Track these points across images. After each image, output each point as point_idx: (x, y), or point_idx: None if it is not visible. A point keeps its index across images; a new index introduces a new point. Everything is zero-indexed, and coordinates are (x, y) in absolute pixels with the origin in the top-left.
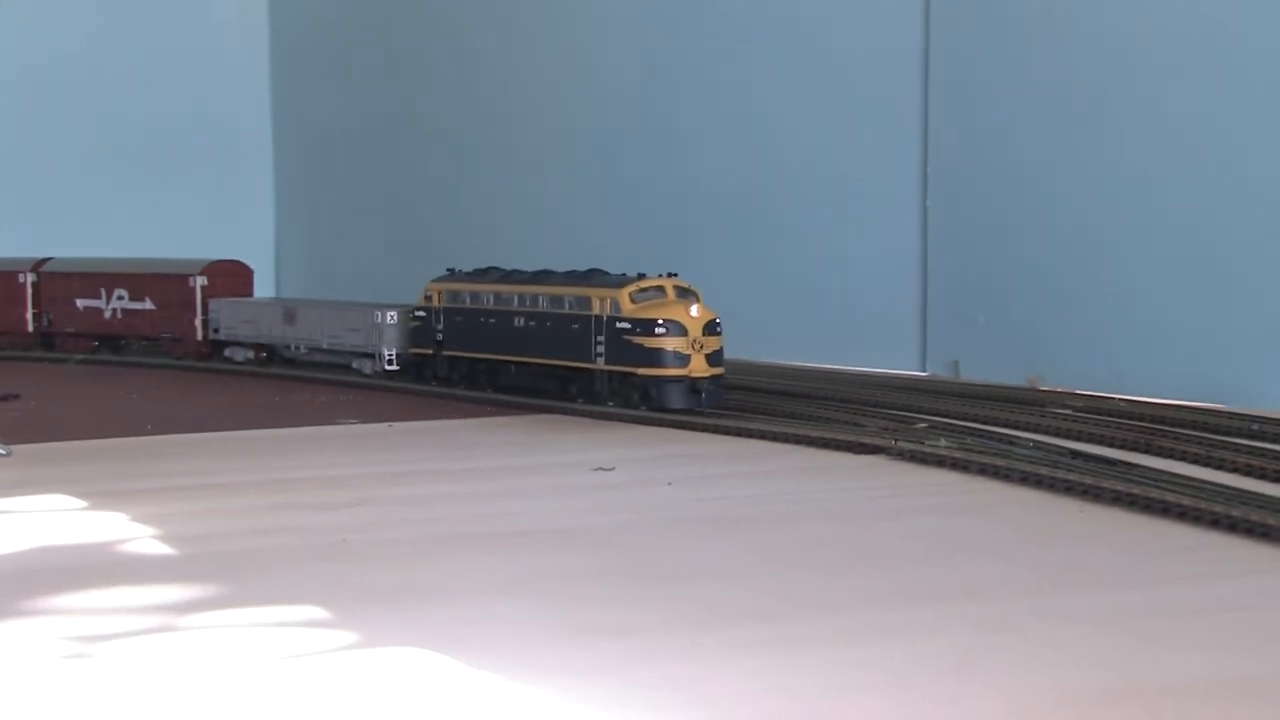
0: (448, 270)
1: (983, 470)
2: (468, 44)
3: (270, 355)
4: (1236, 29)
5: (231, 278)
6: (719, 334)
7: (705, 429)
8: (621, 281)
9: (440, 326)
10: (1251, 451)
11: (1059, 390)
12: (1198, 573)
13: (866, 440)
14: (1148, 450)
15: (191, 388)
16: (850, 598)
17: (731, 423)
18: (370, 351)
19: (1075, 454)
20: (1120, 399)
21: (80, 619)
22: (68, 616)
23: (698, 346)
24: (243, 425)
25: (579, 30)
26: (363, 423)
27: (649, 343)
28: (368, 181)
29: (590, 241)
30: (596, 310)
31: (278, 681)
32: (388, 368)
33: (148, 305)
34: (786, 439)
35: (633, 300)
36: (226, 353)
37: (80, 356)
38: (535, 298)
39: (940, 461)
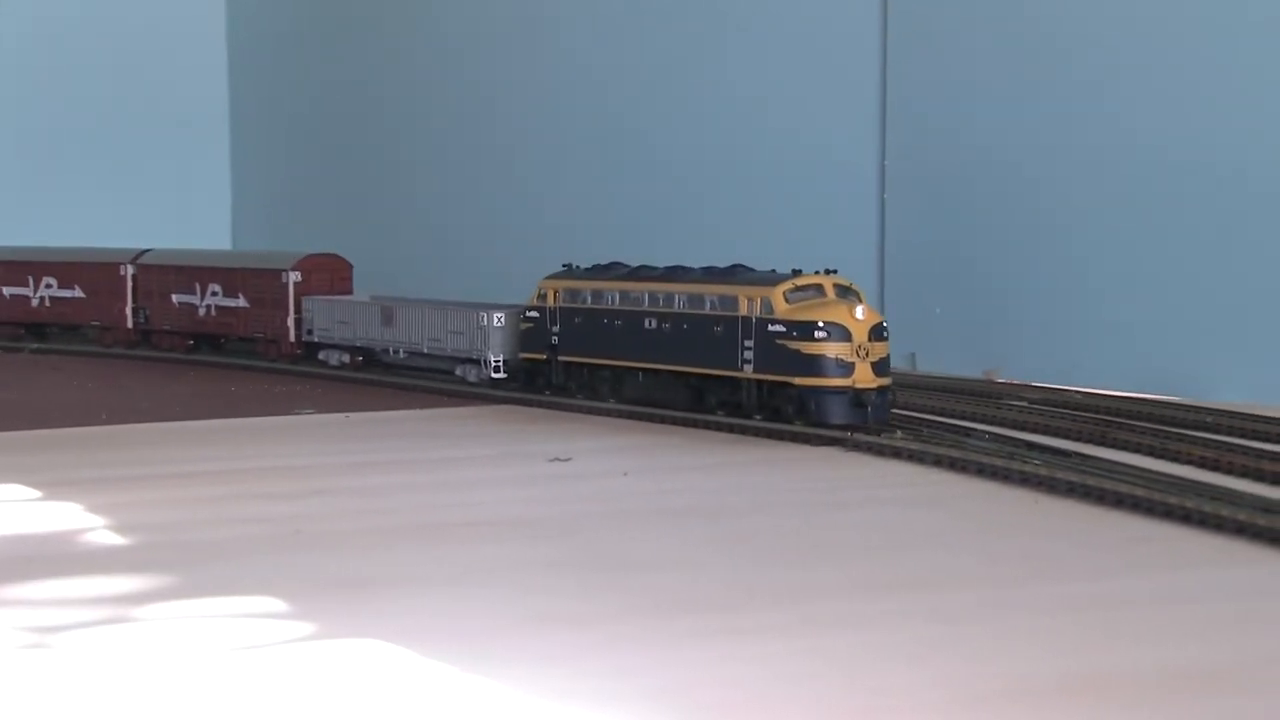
0: (564, 266)
1: (938, 462)
2: (427, 23)
3: (367, 359)
4: (1195, 16)
5: (328, 273)
6: (886, 339)
7: (659, 420)
8: (774, 278)
9: (556, 329)
10: (1205, 444)
11: (1015, 383)
12: (1151, 564)
13: (822, 432)
14: (1102, 442)
15: (149, 378)
16: (804, 588)
17: (692, 415)
18: (475, 357)
19: (1031, 446)
20: (1075, 391)
21: (35, 610)
22: (22, 607)
23: (863, 353)
24: (198, 415)
25: (543, 10)
26: (321, 413)
27: (807, 348)
28: (327, 163)
29: (554, 221)
30: (744, 311)
31: (232, 673)
32: (494, 375)
33: (241, 302)
34: (743, 430)
35: (787, 299)
36: (321, 356)
37: (35, 346)
38: (670, 296)
39: (896, 453)
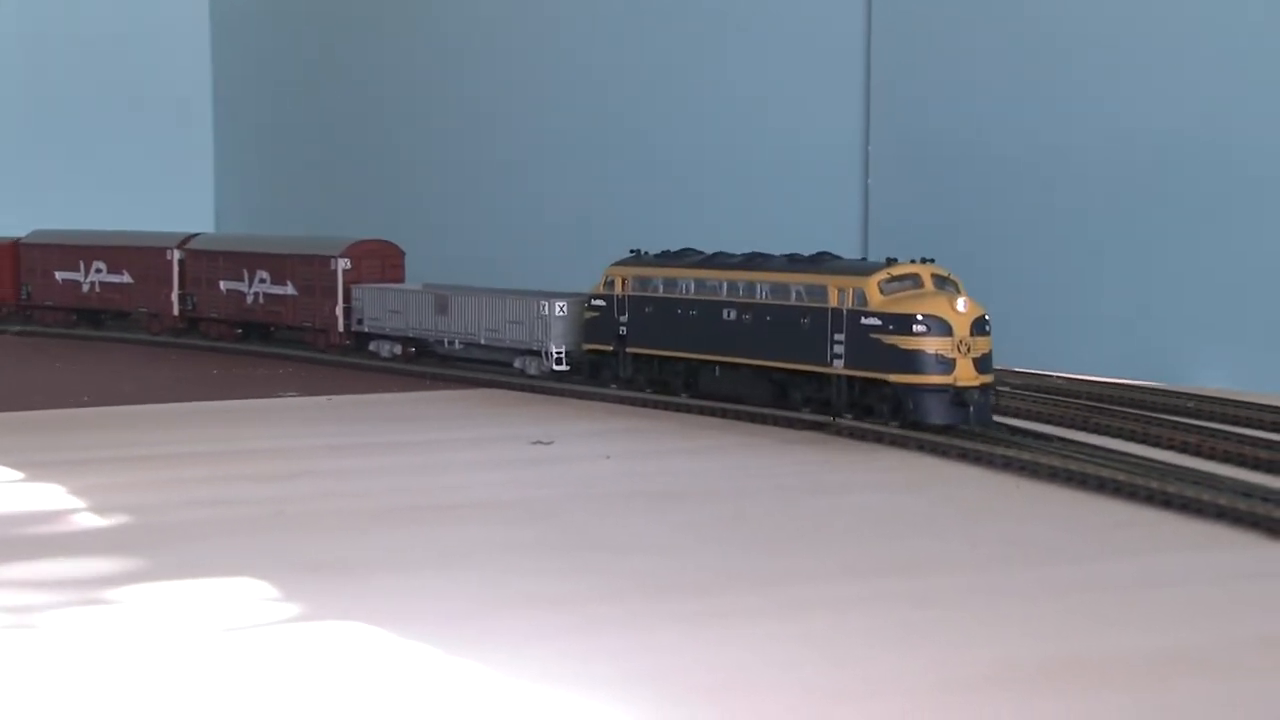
0: (631, 251)
1: (921, 447)
2: (419, 9)
3: (420, 351)
4: (1184, 9)
5: (379, 260)
6: (988, 333)
7: (644, 404)
8: (866, 267)
9: (624, 319)
10: (1187, 429)
11: (999, 368)
12: (1133, 548)
13: (806, 416)
14: (1085, 427)
15: (126, 360)
16: (788, 572)
17: (671, 397)
18: (535, 348)
19: (1014, 430)
20: (1058, 376)
21: (16, 591)
22: (3, 589)
23: (964, 349)
24: (182, 397)
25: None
26: (303, 395)
27: (904, 343)
28: (309, 147)
29: (537, 211)
30: (834, 302)
31: (215, 654)
32: (556, 367)
33: (289, 290)
34: (725, 414)
35: (882, 290)
36: (371, 347)
37: (18, 328)
38: (751, 286)
39: (880, 438)
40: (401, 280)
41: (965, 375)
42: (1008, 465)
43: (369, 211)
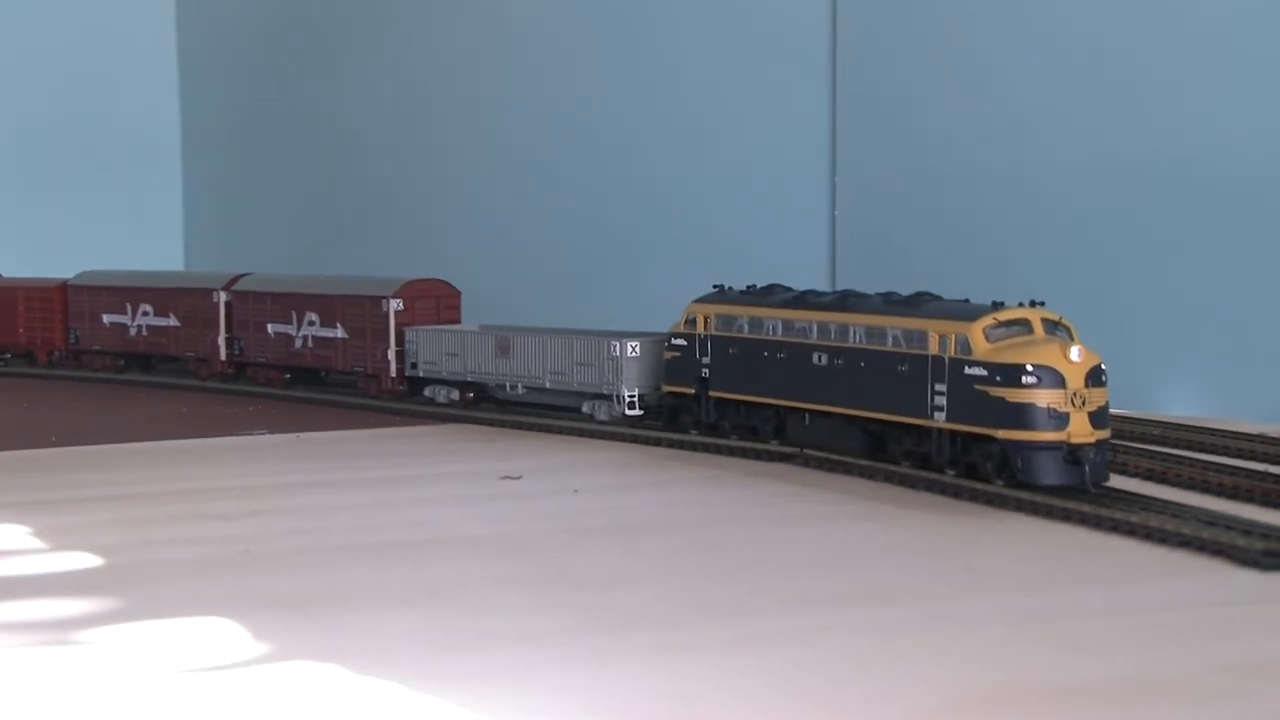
0: (714, 287)
1: (888, 478)
2: (377, 42)
3: (479, 396)
4: (1140, 21)
5: (433, 300)
6: (1104, 384)
7: (612, 437)
8: (970, 311)
9: (707, 360)
10: (1152, 456)
11: None
12: (1098, 576)
13: (772, 448)
14: None
15: (97, 400)
16: (751, 604)
17: (639, 430)
18: (606, 392)
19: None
20: None
21: None
22: None
23: (1079, 401)
24: (149, 436)
25: (489, 24)
26: (272, 433)
27: (1013, 395)
28: (279, 183)
29: (502, 236)
30: (935, 349)
31: (180, 694)
32: (629, 412)
33: (339, 333)
34: (692, 446)
35: (988, 337)
36: (427, 392)
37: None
38: (845, 329)
39: (847, 469)
40: (458, 321)
41: (1080, 431)
42: (974, 497)
43: (345, 249)
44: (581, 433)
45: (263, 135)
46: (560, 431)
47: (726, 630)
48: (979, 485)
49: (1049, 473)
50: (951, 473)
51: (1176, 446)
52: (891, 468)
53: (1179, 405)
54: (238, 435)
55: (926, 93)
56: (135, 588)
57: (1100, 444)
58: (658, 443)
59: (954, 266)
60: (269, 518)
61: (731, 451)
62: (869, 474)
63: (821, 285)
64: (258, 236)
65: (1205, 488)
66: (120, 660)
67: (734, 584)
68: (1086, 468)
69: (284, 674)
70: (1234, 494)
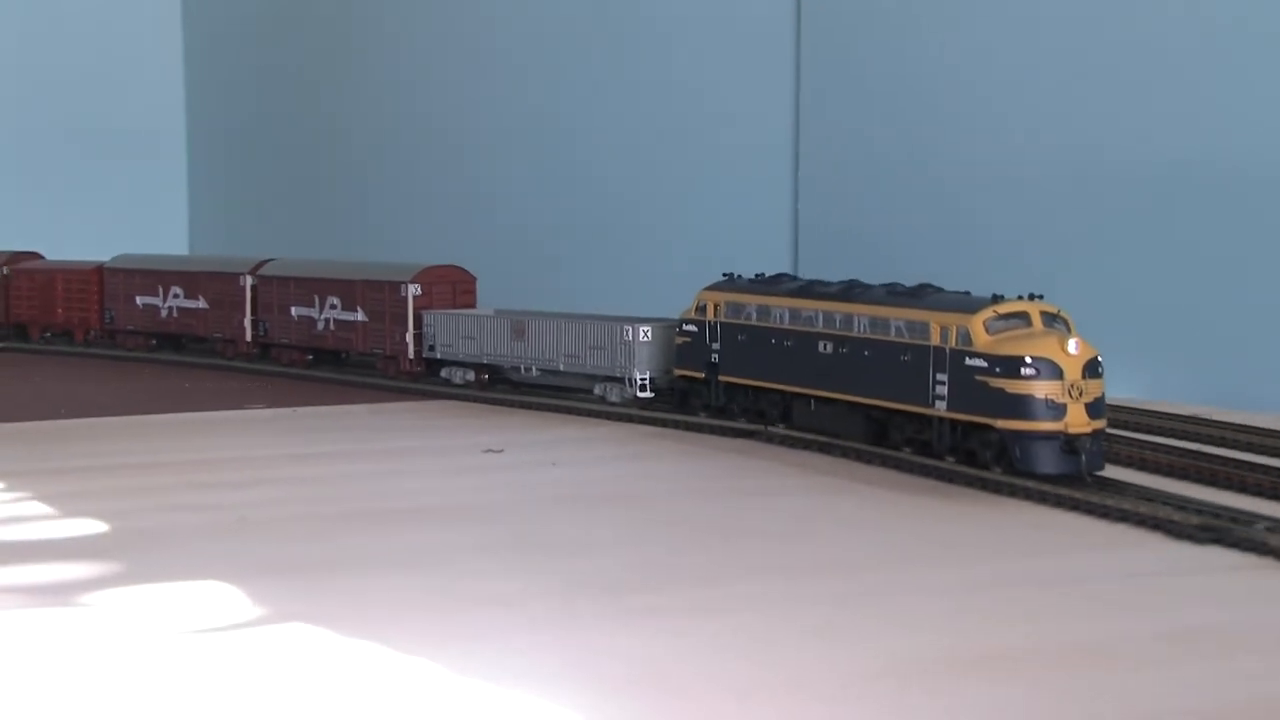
0: (724, 275)
1: (845, 454)
2: (379, 42)
3: (494, 377)
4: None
5: (450, 285)
6: (1101, 375)
7: (590, 414)
8: (972, 304)
9: (716, 346)
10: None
11: None
12: (1045, 549)
13: (740, 425)
14: None
15: (103, 373)
16: (719, 572)
17: (613, 408)
18: (618, 375)
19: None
20: None
21: None
22: None
23: (1076, 393)
24: (155, 409)
25: (466, 24)
26: (270, 407)
27: (1012, 387)
28: (281, 174)
29: (473, 227)
30: (937, 340)
31: (182, 655)
32: (640, 394)
33: (359, 316)
34: (664, 424)
35: (988, 329)
36: (444, 373)
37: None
38: (850, 318)
39: (808, 445)
40: (473, 305)
41: (1077, 421)
42: (927, 472)
43: (350, 235)
44: (557, 409)
45: (268, 125)
46: (541, 409)
47: (694, 596)
48: (932, 463)
49: (1046, 461)
50: (951, 459)
51: (1118, 427)
52: (850, 444)
53: (1124, 389)
54: (238, 409)
55: (887, 89)
56: (138, 553)
57: (1096, 434)
58: (629, 419)
59: (912, 258)
60: (266, 487)
61: (700, 428)
62: (828, 449)
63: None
64: (263, 225)
65: (1142, 465)
66: (121, 621)
67: (700, 552)
68: (1083, 457)
69: (278, 636)
70: (1170, 471)
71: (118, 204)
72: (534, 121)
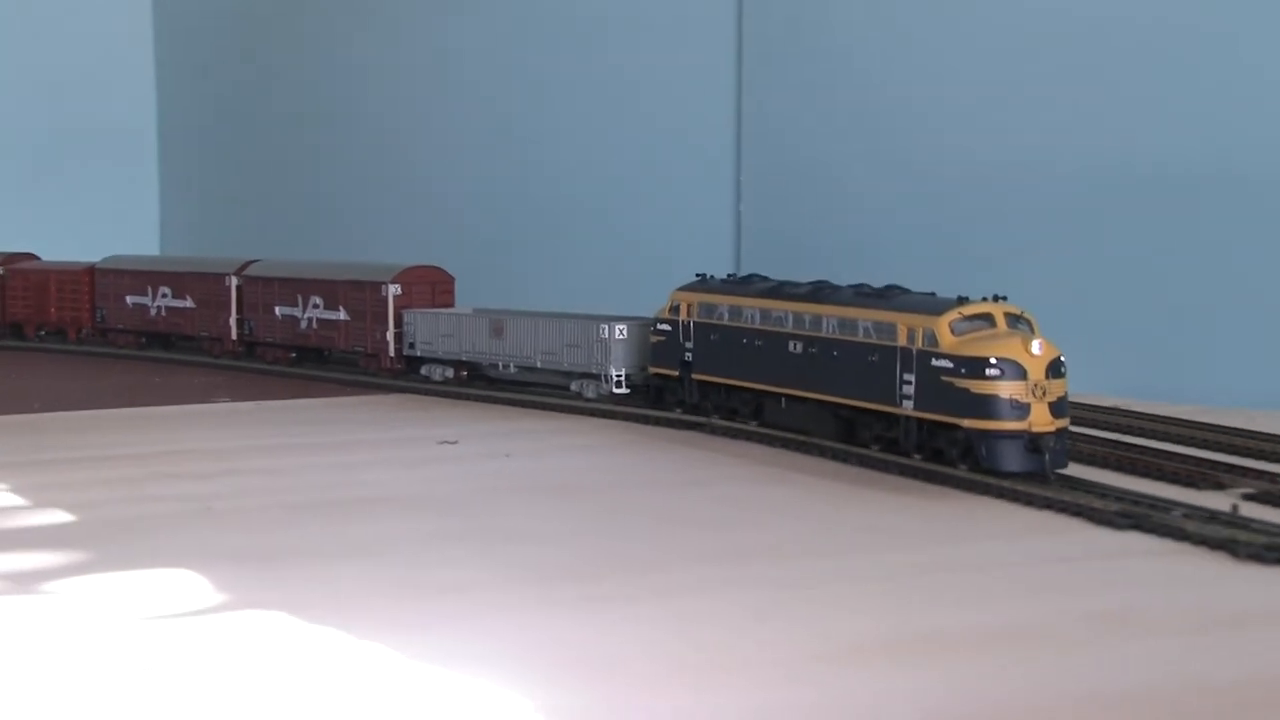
0: (697, 276)
1: (785, 444)
2: (351, 45)
3: (473, 374)
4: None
5: (429, 285)
6: (1064, 375)
7: (542, 407)
8: (938, 305)
9: (690, 344)
10: None
11: None
12: (974, 535)
13: (680, 419)
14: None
15: (75, 368)
16: (661, 558)
17: (567, 401)
18: (594, 372)
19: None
20: None
21: None
22: None
23: (1039, 393)
24: (124, 403)
25: (421, 25)
26: (235, 401)
27: (977, 387)
28: (254, 175)
29: (424, 228)
30: (904, 340)
31: (142, 641)
32: (616, 390)
33: (341, 315)
34: (611, 415)
35: (954, 330)
36: (424, 370)
37: None
38: (819, 319)
39: (749, 436)
40: (451, 304)
41: (1040, 420)
42: (863, 463)
43: (322, 236)
44: (512, 403)
45: (241, 127)
46: (494, 401)
47: (637, 583)
48: (864, 452)
49: (1011, 460)
50: (918, 457)
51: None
52: (788, 436)
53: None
54: (204, 403)
55: (828, 92)
56: (104, 542)
57: (1060, 432)
58: (579, 412)
59: (849, 258)
60: (229, 478)
61: (647, 420)
62: (767, 440)
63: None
64: (235, 227)
65: (1073, 456)
66: (86, 607)
67: (644, 540)
68: (1046, 455)
69: (240, 622)
70: (1090, 460)
71: (89, 204)
72: (493, 126)
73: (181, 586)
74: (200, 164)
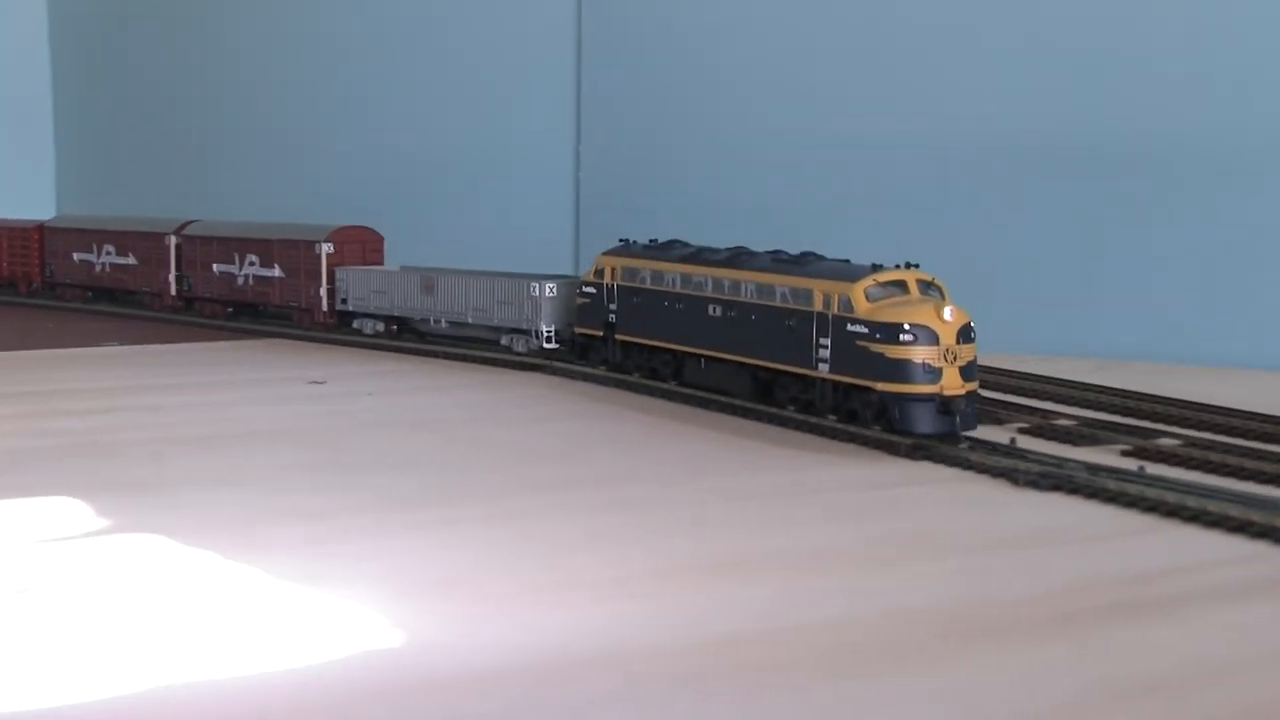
0: (621, 241)
1: (619, 384)
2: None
3: (403, 328)
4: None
5: (360, 245)
6: (974, 340)
7: (402, 351)
8: (852, 272)
9: (613, 306)
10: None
11: None
12: (790, 465)
13: (529, 360)
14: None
15: (20, 319)
16: (509, 486)
17: (426, 345)
18: (525, 328)
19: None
20: None
21: None
22: None
23: (950, 357)
24: (15, 346)
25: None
26: (123, 344)
27: (891, 352)
28: (154, 130)
29: (307, 190)
30: (820, 306)
31: (30, 562)
32: (546, 345)
33: (276, 273)
34: (462, 359)
35: (868, 297)
36: (355, 324)
37: None
38: (737, 284)
39: (587, 377)
40: (381, 263)
41: (952, 384)
42: (687, 400)
43: (209, 191)
44: (371, 346)
45: (138, 84)
46: (360, 346)
47: (487, 508)
48: (689, 391)
49: (924, 422)
50: (833, 418)
51: None
52: (624, 378)
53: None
54: (95, 346)
55: (665, 71)
56: None
57: (969, 395)
58: (435, 356)
59: (679, 220)
60: (113, 414)
61: (496, 363)
62: (602, 380)
63: (568, 237)
64: (131, 185)
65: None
66: None
67: (495, 470)
68: (957, 417)
69: (121, 545)
70: None
71: None
72: (370, 97)
73: (65, 513)
74: (95, 129)
